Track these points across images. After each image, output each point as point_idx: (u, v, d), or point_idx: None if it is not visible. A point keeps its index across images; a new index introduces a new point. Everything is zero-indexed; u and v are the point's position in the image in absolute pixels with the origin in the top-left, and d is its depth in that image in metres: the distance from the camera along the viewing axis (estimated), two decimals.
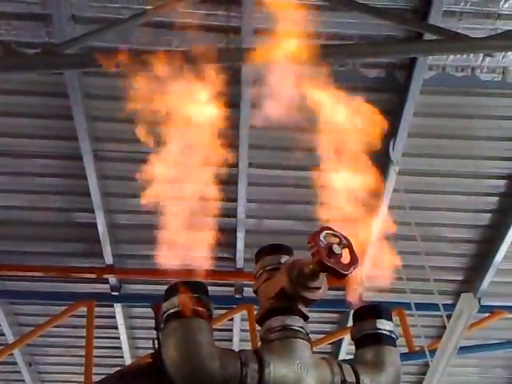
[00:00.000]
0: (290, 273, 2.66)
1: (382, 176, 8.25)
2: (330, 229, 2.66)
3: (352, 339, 2.89)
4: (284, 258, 2.82)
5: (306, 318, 2.75)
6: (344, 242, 2.64)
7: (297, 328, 2.69)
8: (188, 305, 2.53)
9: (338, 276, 2.59)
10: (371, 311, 2.86)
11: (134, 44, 7.22)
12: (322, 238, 2.60)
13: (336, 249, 2.59)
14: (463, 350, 9.22)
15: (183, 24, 6.88)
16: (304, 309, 2.74)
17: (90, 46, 7.03)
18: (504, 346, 11.09)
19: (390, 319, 2.85)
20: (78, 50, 6.83)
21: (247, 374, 2.50)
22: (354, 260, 2.62)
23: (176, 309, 2.54)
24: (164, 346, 2.55)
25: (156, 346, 2.83)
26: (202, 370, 2.47)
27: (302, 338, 2.68)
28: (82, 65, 6.96)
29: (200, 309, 2.55)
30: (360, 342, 2.84)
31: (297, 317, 2.71)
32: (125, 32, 7.15)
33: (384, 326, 2.82)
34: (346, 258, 2.61)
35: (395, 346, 2.85)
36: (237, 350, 2.68)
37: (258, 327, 2.87)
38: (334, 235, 2.64)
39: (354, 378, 2.68)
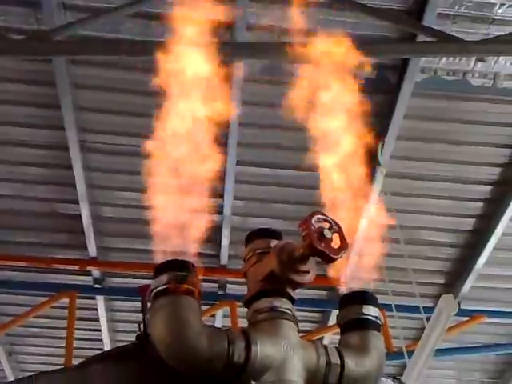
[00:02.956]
0: (280, 255, 2.66)
1: (370, 177, 8.27)
2: (321, 213, 2.67)
3: (337, 325, 2.90)
4: (274, 243, 2.82)
5: (293, 300, 2.76)
6: (335, 226, 2.65)
7: (284, 310, 2.69)
8: (177, 282, 2.53)
9: (328, 260, 2.60)
10: (357, 297, 2.88)
11: (125, 34, 7.21)
12: (313, 222, 2.61)
13: (326, 233, 2.60)
14: (441, 352, 9.27)
15: (174, 16, 6.85)
16: (292, 292, 2.75)
17: (80, 34, 7.01)
18: (481, 350, 11.20)
19: (375, 305, 2.87)
20: (67, 37, 6.79)
21: (234, 353, 2.49)
22: (344, 245, 2.63)
23: (165, 286, 2.54)
24: (151, 322, 2.53)
25: (142, 328, 2.83)
26: (190, 346, 2.47)
27: (289, 320, 2.69)
28: (70, 52, 6.95)
29: (189, 287, 2.55)
30: (345, 326, 2.86)
31: (284, 299, 2.72)
32: (115, 22, 7.13)
33: (370, 311, 2.83)
34: (336, 242, 2.62)
35: (380, 331, 2.87)
36: None
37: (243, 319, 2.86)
38: (325, 220, 2.65)
39: (338, 360, 2.68)
